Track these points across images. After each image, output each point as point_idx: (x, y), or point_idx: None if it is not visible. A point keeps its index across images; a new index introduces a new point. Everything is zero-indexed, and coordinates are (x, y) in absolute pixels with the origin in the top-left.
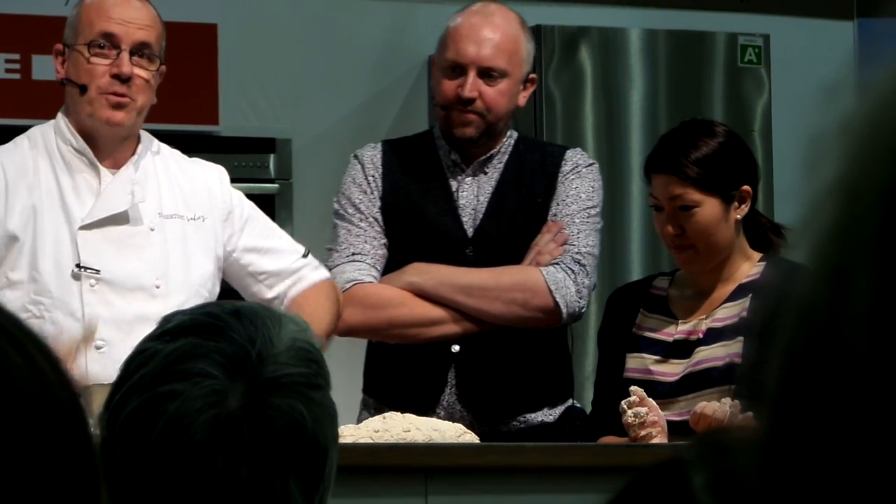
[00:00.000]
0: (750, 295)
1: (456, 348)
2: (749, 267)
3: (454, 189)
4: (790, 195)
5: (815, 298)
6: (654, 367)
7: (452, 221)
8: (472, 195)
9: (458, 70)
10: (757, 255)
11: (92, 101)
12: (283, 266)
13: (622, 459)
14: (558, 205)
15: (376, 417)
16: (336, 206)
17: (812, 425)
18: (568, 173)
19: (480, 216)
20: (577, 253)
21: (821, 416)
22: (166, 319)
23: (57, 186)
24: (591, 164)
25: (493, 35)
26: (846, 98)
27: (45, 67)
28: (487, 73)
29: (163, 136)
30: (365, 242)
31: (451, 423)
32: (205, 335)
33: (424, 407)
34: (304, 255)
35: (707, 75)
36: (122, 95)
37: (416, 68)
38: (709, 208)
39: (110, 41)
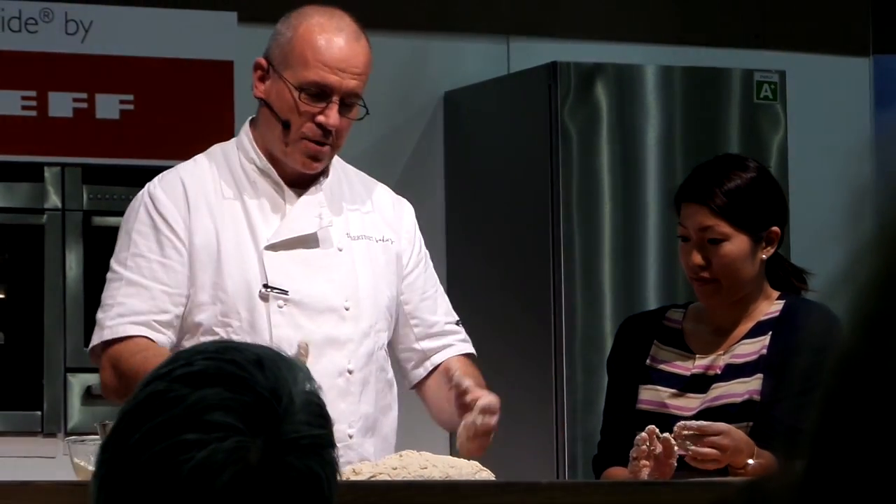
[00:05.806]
0: (770, 332)
1: None
2: (768, 305)
3: None
4: (806, 232)
5: (852, 348)
6: (669, 401)
7: None
8: None
9: None
10: (776, 294)
11: (290, 143)
12: (436, 319)
13: (644, 498)
14: None
15: (393, 455)
16: None
17: (848, 469)
18: None
19: None
20: None
21: (857, 461)
22: (187, 361)
23: (242, 206)
24: None
25: None
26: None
27: (61, 104)
28: None
29: None
30: None
31: (467, 460)
32: (228, 385)
33: None
34: (457, 323)
35: (723, 112)
36: (323, 145)
37: (432, 105)
38: (737, 243)
39: (322, 90)
